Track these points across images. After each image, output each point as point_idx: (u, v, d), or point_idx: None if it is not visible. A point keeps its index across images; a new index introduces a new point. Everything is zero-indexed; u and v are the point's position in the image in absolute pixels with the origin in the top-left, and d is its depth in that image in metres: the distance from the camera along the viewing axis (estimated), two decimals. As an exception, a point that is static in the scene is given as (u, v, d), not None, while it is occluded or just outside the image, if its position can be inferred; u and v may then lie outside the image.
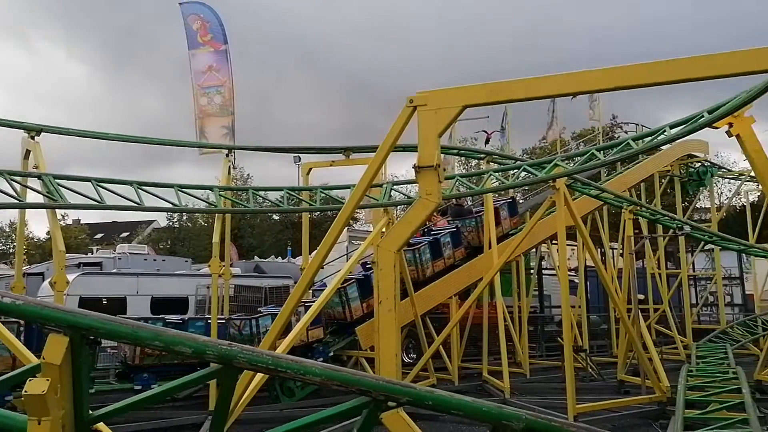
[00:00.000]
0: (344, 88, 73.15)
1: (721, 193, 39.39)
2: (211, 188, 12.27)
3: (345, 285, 14.03)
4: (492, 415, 3.47)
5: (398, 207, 16.71)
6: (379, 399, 3.34)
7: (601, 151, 11.03)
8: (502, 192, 17.13)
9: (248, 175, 47.86)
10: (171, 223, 53.21)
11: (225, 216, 12.72)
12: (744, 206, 28.15)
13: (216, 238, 12.05)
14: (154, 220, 58.26)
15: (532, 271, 21.14)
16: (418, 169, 5.95)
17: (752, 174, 27.37)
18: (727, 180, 33.15)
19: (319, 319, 13.51)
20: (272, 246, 42.39)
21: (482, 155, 15.29)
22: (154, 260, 24.05)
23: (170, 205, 11.89)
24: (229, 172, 13.13)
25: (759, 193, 29.52)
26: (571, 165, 12.18)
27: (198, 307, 17.38)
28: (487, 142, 24.16)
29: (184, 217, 49.60)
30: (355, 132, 67.83)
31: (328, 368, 3.41)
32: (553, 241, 19.32)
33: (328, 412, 3.57)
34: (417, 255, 15.30)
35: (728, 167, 33.85)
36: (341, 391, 3.38)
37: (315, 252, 9.40)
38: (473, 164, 36.53)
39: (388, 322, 6.24)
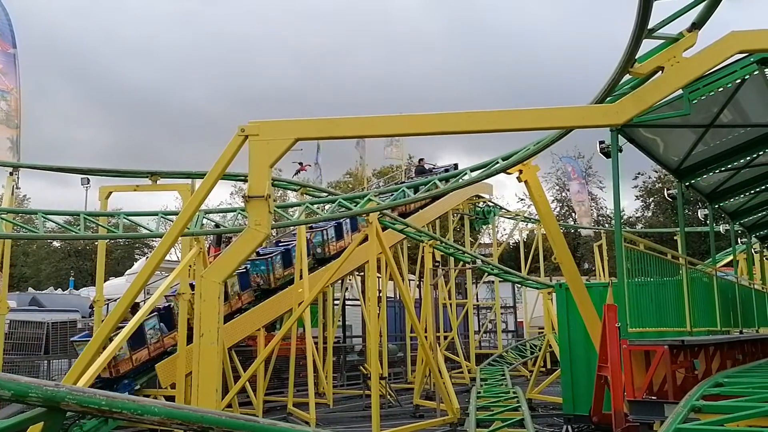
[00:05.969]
0: (115, 107, 69.14)
1: (498, 230, 44.18)
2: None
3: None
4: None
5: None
6: (220, 436, 3.24)
7: (410, 189, 11.83)
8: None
9: (24, 196, 42.65)
10: None
11: (5, 242, 11.21)
12: (517, 242, 31.89)
13: (-6, 267, 10.58)
14: None
15: (336, 301, 21.58)
16: (248, 198, 5.89)
17: (526, 215, 31.35)
18: (503, 219, 37.26)
19: None
20: (50, 276, 37.92)
21: (297, 187, 15.45)
22: None
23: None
24: (12, 193, 11.63)
25: (528, 232, 33.65)
26: (383, 200, 12.80)
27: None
28: (297, 173, 24.38)
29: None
30: (131, 153, 64.39)
31: (167, 406, 3.23)
32: (358, 272, 20.01)
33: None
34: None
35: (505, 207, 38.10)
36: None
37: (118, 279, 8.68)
38: (278, 193, 36.54)
39: (210, 356, 6.00)
